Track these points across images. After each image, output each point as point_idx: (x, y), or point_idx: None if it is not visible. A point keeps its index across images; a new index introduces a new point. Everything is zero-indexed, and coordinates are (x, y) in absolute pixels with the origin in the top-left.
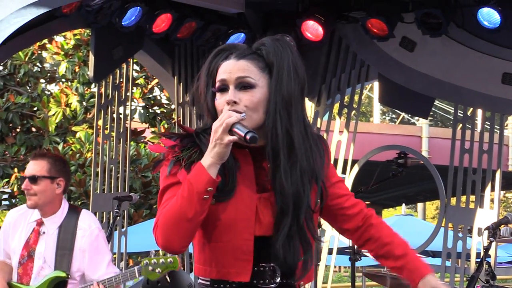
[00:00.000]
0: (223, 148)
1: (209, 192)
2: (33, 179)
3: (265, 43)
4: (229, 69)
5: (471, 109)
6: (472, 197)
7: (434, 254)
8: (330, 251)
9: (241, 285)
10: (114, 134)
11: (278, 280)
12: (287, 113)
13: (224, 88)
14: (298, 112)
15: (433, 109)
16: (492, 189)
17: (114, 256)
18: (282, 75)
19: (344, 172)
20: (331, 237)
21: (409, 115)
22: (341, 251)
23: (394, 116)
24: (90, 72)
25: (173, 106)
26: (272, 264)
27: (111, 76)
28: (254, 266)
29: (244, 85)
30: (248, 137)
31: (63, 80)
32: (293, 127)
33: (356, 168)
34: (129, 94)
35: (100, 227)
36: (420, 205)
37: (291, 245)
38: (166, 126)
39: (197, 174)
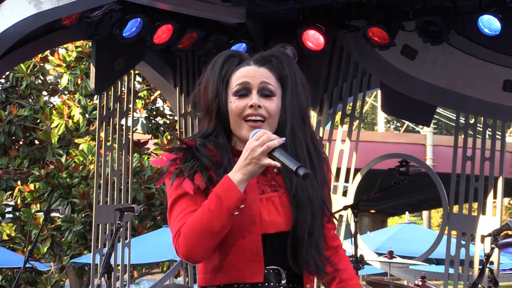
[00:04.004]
0: (258, 168)
1: (239, 209)
2: None
3: (275, 55)
4: (252, 73)
5: (473, 116)
6: (475, 204)
7: (438, 262)
8: None
9: (251, 286)
10: (116, 145)
11: (283, 282)
12: (303, 125)
13: (244, 93)
14: (309, 124)
15: (437, 117)
16: (495, 196)
17: (118, 267)
18: (297, 88)
19: (347, 181)
20: None
21: (413, 123)
22: None
23: (398, 124)
24: (92, 84)
25: (175, 117)
26: (276, 267)
27: (112, 88)
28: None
29: (265, 93)
30: (301, 173)
31: (66, 92)
32: (307, 138)
33: (358, 177)
34: (131, 105)
35: None
36: (425, 213)
37: (315, 252)
38: (169, 137)
39: (227, 190)
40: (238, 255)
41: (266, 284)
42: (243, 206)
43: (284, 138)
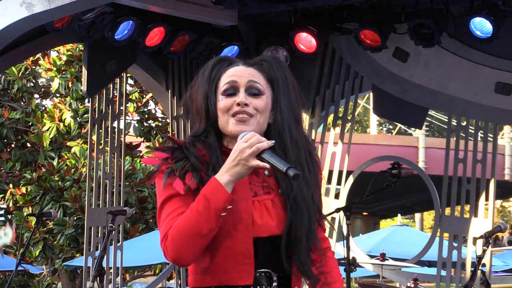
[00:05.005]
0: (246, 169)
1: (227, 210)
2: None
3: (266, 59)
4: (239, 73)
5: (465, 118)
6: (467, 207)
7: (430, 264)
8: None
9: None
10: (108, 148)
11: (275, 284)
12: (299, 128)
13: (232, 93)
14: (303, 127)
15: (429, 119)
16: (487, 198)
17: (110, 270)
18: (289, 91)
19: (339, 183)
20: None
21: (405, 126)
22: None
23: (391, 127)
24: (83, 87)
25: (168, 120)
26: (268, 270)
27: (104, 91)
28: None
29: (253, 92)
30: (291, 174)
31: (57, 95)
32: (303, 141)
33: (351, 179)
34: (123, 108)
35: None
36: (417, 215)
37: (306, 254)
38: (161, 140)
39: (214, 191)
40: (228, 257)
41: (258, 287)
42: (230, 207)
43: (273, 141)
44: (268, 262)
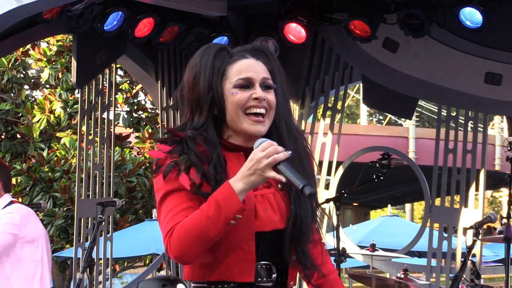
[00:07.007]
0: (261, 179)
1: (236, 219)
2: None
3: (259, 49)
4: (253, 68)
5: (455, 109)
6: (457, 197)
7: (420, 255)
8: None
9: (239, 285)
10: (98, 139)
11: (274, 277)
12: (291, 117)
13: (247, 86)
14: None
15: (419, 109)
16: (477, 189)
17: (100, 261)
18: (282, 81)
19: (329, 174)
20: None
21: (395, 116)
22: None
23: (381, 117)
24: (73, 78)
25: (157, 111)
26: (268, 262)
27: (94, 82)
28: None
29: (266, 86)
30: (307, 192)
31: (47, 86)
32: (297, 130)
33: (340, 170)
34: (112, 99)
35: (18, 215)
36: (408, 206)
37: (308, 246)
38: (150, 130)
39: (227, 198)
40: (230, 253)
41: (260, 279)
42: (240, 216)
43: (290, 152)
44: (268, 255)
